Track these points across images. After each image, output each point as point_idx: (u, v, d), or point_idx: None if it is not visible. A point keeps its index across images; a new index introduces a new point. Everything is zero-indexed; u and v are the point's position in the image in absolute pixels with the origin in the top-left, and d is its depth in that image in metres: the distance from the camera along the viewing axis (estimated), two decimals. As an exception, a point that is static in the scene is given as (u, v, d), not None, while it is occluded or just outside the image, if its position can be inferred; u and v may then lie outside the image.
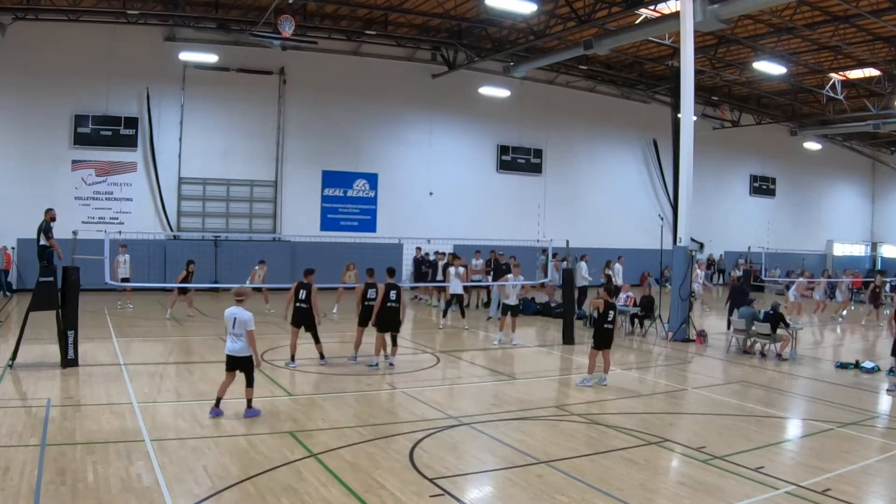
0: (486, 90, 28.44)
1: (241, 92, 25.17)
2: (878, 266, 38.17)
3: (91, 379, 10.52)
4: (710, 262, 35.97)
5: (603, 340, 11.32)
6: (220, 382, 8.84)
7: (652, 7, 20.33)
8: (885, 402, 11.15)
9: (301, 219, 26.19)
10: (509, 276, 15.76)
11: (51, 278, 11.63)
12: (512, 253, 21.07)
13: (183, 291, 17.68)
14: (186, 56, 23.81)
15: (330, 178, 27.20)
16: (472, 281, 20.49)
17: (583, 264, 20.38)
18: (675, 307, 16.67)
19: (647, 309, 17.43)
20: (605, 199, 32.56)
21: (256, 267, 18.61)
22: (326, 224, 26.96)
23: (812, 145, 38.73)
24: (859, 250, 43.50)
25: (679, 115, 18.18)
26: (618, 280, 20.89)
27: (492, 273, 20.79)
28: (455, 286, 17.92)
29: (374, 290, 12.11)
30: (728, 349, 15.35)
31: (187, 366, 12.17)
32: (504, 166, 30.49)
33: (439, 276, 20.50)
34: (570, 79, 31.08)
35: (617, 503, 6.37)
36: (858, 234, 44.07)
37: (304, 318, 11.89)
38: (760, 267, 27.58)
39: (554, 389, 11.59)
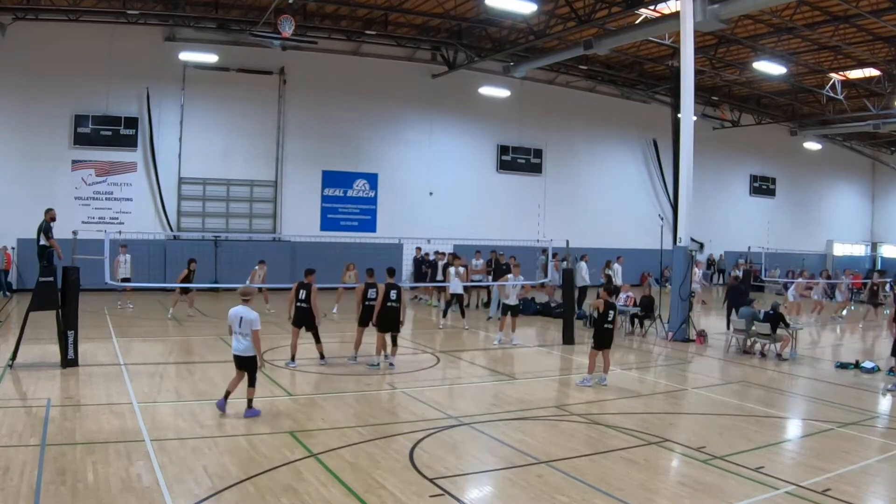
0: (486, 90, 28.44)
1: (241, 92, 25.17)
2: (878, 266, 38.16)
3: (91, 379, 10.53)
4: (711, 262, 36.03)
5: (603, 340, 11.32)
6: (218, 382, 8.84)
7: (652, 7, 20.33)
8: (885, 402, 11.15)
9: (301, 219, 26.19)
10: (509, 276, 15.76)
11: (51, 278, 11.63)
12: (512, 253, 21.07)
13: (185, 291, 17.67)
14: (186, 56, 23.81)
15: (330, 178, 27.20)
16: (473, 281, 20.49)
17: (583, 264, 20.39)
18: (675, 307, 16.67)
19: (647, 309, 17.43)
20: (605, 199, 32.56)
21: (256, 267, 18.61)
22: (326, 224, 26.96)
23: (812, 145, 38.73)
24: (859, 250, 43.50)
25: (679, 115, 18.18)
26: (617, 280, 20.88)
27: (492, 273, 20.79)
28: (455, 286, 17.92)
29: (375, 290, 12.11)
30: (728, 349, 15.35)
31: (187, 366, 12.17)
32: (504, 166, 30.49)
33: (439, 276, 20.50)
34: (570, 79, 31.08)
35: (617, 503, 6.37)
36: (858, 234, 44.07)
37: (305, 318, 11.89)
38: (760, 267, 27.57)
39: (554, 389, 11.60)
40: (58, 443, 7.40)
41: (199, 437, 7.83)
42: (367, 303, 12.18)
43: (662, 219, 24.20)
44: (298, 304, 11.89)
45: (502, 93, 28.67)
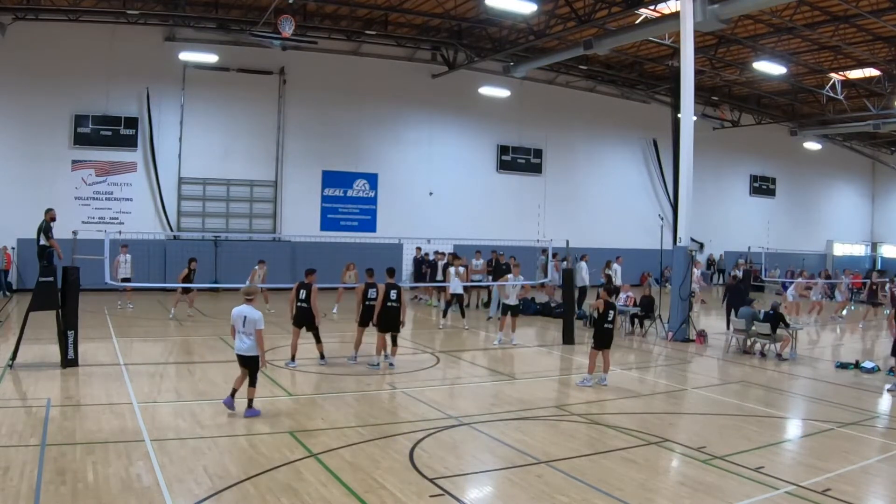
0: (486, 90, 28.44)
1: (241, 92, 25.18)
2: (878, 266, 38.16)
3: (91, 379, 10.53)
4: (711, 262, 36.04)
5: (603, 340, 11.32)
6: (218, 382, 8.84)
7: (652, 7, 20.33)
8: (885, 402, 11.15)
9: (301, 219, 26.19)
10: (509, 276, 15.76)
11: (51, 278, 11.63)
12: (512, 253, 21.07)
13: (186, 290, 17.65)
14: (186, 56, 23.81)
15: (330, 178, 27.21)
16: (473, 281, 20.49)
17: (583, 264, 20.39)
18: (675, 307, 16.67)
19: (647, 309, 17.42)
20: (605, 199, 32.55)
21: (256, 267, 18.60)
22: (326, 224, 26.96)
23: (812, 145, 38.72)
24: (859, 250, 43.49)
25: (679, 115, 18.18)
26: (616, 280, 20.88)
27: (492, 273, 20.78)
28: (455, 286, 17.92)
29: (375, 290, 12.12)
30: (728, 349, 15.35)
31: (187, 366, 12.17)
32: (504, 166, 30.49)
33: (439, 276, 20.50)
34: (570, 79, 31.07)
35: (617, 503, 6.37)
36: (858, 234, 44.06)
37: (305, 318, 11.90)
38: (760, 267, 27.59)
39: (554, 389, 11.59)
40: (58, 443, 7.40)
41: (199, 437, 7.83)
42: (367, 303, 12.18)
43: (662, 219, 24.21)
44: (299, 303, 11.90)
45: (502, 93, 28.67)
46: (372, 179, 27.88)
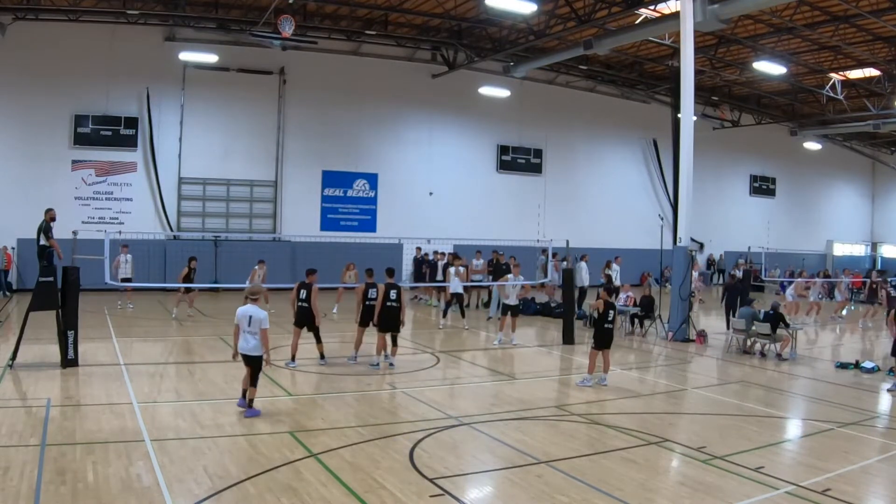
0: (486, 90, 28.44)
1: (241, 92, 25.19)
2: (878, 266, 38.17)
3: (91, 379, 10.52)
4: (711, 262, 36.05)
5: (603, 340, 11.32)
6: (218, 382, 8.85)
7: (652, 7, 20.34)
8: (885, 402, 11.15)
9: (301, 219, 26.20)
10: (509, 276, 15.76)
11: (51, 278, 11.63)
12: (512, 253, 21.07)
13: (187, 290, 17.62)
14: (186, 56, 23.82)
15: (330, 178, 27.21)
16: (473, 281, 20.49)
17: (583, 264, 20.39)
18: (675, 307, 16.66)
19: (647, 309, 17.43)
20: (605, 199, 32.56)
21: (256, 267, 18.60)
22: (326, 224, 26.96)
23: (812, 145, 38.73)
24: (859, 250, 43.49)
25: (679, 115, 18.18)
26: (615, 280, 20.88)
27: (492, 273, 20.78)
28: (455, 286, 17.92)
29: (375, 290, 12.12)
30: (728, 349, 15.35)
31: (187, 366, 12.16)
32: (504, 166, 30.50)
33: (439, 276, 20.50)
34: (570, 79, 31.08)
35: (617, 503, 6.37)
36: (858, 234, 44.07)
37: (306, 318, 11.91)
38: (760, 267, 27.61)
39: (554, 389, 11.59)
40: (58, 443, 7.40)
41: (199, 437, 7.83)
42: (367, 303, 12.18)
43: (662, 219, 24.20)
44: (300, 303, 11.91)
45: (502, 93, 28.68)
46: (372, 179, 27.88)
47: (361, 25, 24.72)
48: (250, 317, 8.67)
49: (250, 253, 20.69)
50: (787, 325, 14.38)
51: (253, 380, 8.75)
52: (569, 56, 24.99)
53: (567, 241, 17.25)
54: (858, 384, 12.28)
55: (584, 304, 19.62)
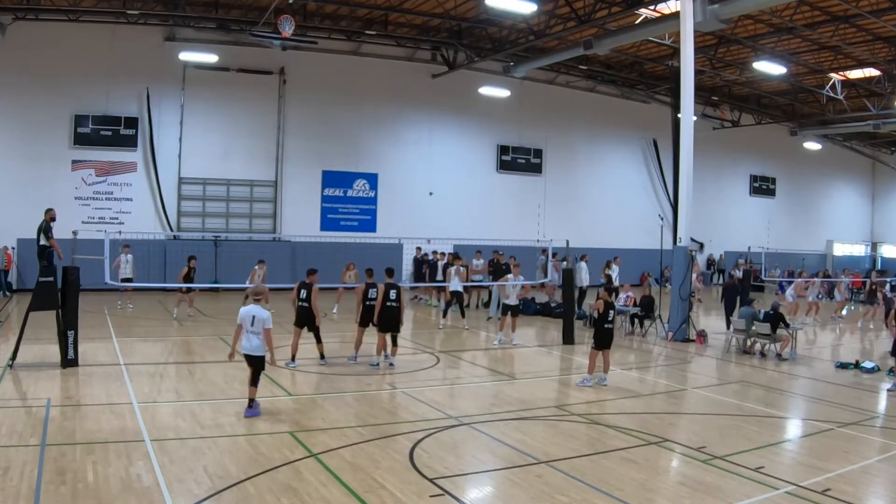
0: (486, 90, 28.44)
1: (241, 92, 25.18)
2: (878, 266, 38.17)
3: (91, 379, 10.52)
4: (711, 262, 36.04)
5: (603, 340, 11.32)
6: (218, 382, 8.85)
7: (652, 7, 20.33)
8: (885, 402, 11.15)
9: (301, 219, 26.19)
10: (509, 276, 15.76)
11: (51, 278, 11.64)
12: (512, 253, 21.07)
13: (187, 290, 17.60)
14: (186, 56, 23.81)
15: (330, 178, 27.21)
16: (473, 281, 20.49)
17: (583, 264, 20.39)
18: (675, 307, 16.66)
19: (647, 309, 17.43)
20: (605, 199, 32.55)
21: (256, 267, 18.60)
22: (326, 224, 26.96)
23: (812, 145, 38.72)
24: (859, 250, 43.48)
25: (679, 115, 18.18)
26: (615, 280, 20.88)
27: (492, 273, 20.78)
28: (455, 284, 17.91)
29: (375, 290, 12.13)
30: (728, 349, 15.36)
31: (187, 366, 12.16)
32: (504, 166, 30.49)
33: (439, 276, 20.50)
34: (570, 79, 31.07)
35: (617, 503, 6.37)
36: (858, 234, 44.06)
37: (306, 318, 11.92)
38: (760, 267, 27.62)
39: (554, 389, 11.59)
40: (58, 443, 7.40)
41: (199, 437, 7.83)
42: (367, 303, 12.18)
43: (662, 219, 24.20)
44: (300, 303, 11.91)
45: (502, 93, 28.67)
46: (372, 179, 27.88)
47: (361, 25, 24.72)
48: (253, 317, 8.71)
49: (250, 253, 20.69)
50: (787, 325, 14.38)
51: (254, 379, 8.76)
52: (569, 56, 24.99)
53: (567, 241, 17.25)
54: (858, 384, 12.28)
55: (584, 304, 19.62)
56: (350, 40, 26.08)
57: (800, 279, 23.95)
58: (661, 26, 20.99)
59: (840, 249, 42.03)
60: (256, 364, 8.76)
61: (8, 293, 21.62)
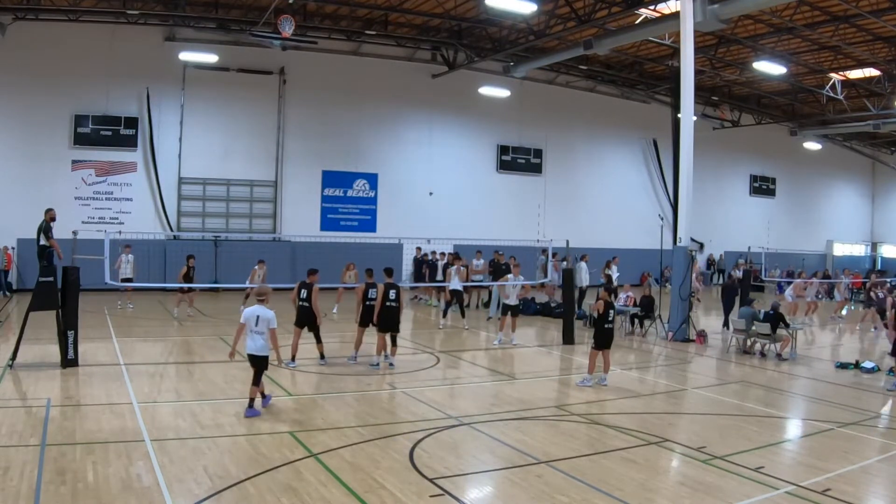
0: (486, 90, 28.45)
1: (241, 92, 25.18)
2: (878, 266, 38.15)
3: (91, 379, 10.52)
4: (711, 262, 36.03)
5: (603, 340, 11.32)
6: (218, 383, 8.86)
7: (652, 7, 20.33)
8: (885, 402, 11.15)
9: (301, 219, 26.20)
10: (509, 276, 15.76)
11: (51, 278, 11.63)
12: (512, 253, 21.07)
13: (187, 289, 17.58)
14: (186, 56, 23.82)
15: (330, 178, 27.21)
16: (473, 281, 20.49)
17: (583, 264, 20.39)
18: (675, 307, 16.66)
19: (647, 309, 17.43)
20: (605, 199, 32.55)
21: (256, 267, 18.60)
22: (326, 224, 26.96)
23: (812, 145, 38.72)
24: (859, 250, 43.48)
25: (679, 115, 18.18)
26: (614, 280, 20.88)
27: (492, 273, 20.78)
28: (454, 283, 17.91)
29: (375, 290, 12.13)
30: (728, 349, 15.35)
31: (187, 366, 12.16)
32: (504, 166, 30.50)
33: (439, 276, 20.50)
34: (570, 79, 31.08)
35: (617, 503, 6.37)
36: (858, 234, 44.07)
37: (306, 318, 11.92)
38: (760, 267, 27.62)
39: (554, 389, 11.59)
40: (58, 443, 7.40)
41: (199, 437, 7.83)
42: (367, 303, 12.18)
43: (662, 219, 24.20)
44: (300, 303, 11.91)
45: (502, 93, 28.68)
46: (372, 179, 27.88)
47: (361, 25, 24.72)
48: (258, 317, 8.76)
49: (250, 253, 20.68)
50: (787, 325, 14.38)
51: (256, 379, 8.77)
52: (569, 56, 25.00)
53: (567, 241, 17.25)
54: (858, 384, 12.28)
55: (584, 303, 19.62)
56: (350, 40, 26.08)
57: (798, 280, 23.94)
58: (661, 26, 20.99)
59: (840, 249, 42.03)
60: (260, 364, 8.78)
61: (8, 293, 21.63)
